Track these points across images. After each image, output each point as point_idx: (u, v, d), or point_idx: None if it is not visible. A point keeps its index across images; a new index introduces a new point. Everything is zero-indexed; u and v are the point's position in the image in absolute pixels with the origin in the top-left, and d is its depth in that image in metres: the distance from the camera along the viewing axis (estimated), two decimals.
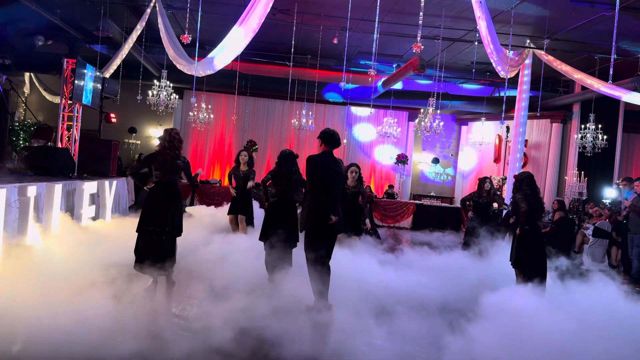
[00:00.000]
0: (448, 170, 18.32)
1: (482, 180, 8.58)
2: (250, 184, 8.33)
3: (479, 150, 16.55)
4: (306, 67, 14.73)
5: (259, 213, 9.04)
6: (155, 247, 5.13)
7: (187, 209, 10.83)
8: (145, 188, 11.14)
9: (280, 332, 4.24)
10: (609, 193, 12.06)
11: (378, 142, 17.44)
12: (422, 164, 18.02)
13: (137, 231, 5.25)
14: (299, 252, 5.56)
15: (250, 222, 8.51)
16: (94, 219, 8.46)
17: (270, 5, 7.98)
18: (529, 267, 5.98)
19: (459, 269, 7.01)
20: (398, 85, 15.23)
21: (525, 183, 6.12)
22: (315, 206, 4.97)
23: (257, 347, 4.09)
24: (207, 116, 14.73)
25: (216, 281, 5.52)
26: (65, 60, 10.39)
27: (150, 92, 13.30)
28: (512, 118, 12.89)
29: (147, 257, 5.07)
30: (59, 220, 6.82)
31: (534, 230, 6.07)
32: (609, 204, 11.08)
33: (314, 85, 14.34)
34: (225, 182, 16.07)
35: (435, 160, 17.75)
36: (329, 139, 5.14)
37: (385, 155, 17.57)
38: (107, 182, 9.14)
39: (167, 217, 5.21)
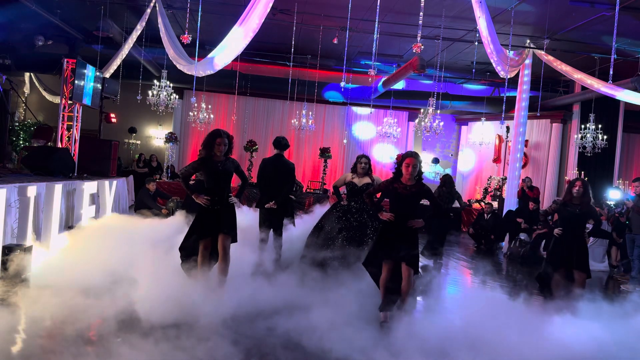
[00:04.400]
0: (448, 170, 18.31)
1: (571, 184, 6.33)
2: (234, 200, 5.38)
3: (479, 151, 16.54)
4: (306, 67, 14.72)
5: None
6: None
7: None
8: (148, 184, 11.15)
9: None
10: (614, 194, 11.99)
11: (378, 142, 17.44)
12: (422, 164, 17.94)
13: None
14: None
15: (235, 239, 5.36)
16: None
17: (270, 5, 7.96)
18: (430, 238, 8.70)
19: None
20: (398, 85, 15.22)
21: (447, 183, 8.72)
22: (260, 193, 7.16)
23: None
24: (207, 116, 14.71)
25: None
26: (65, 60, 10.38)
27: (150, 92, 13.29)
28: (512, 118, 12.88)
29: None
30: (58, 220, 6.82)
31: (441, 217, 8.37)
32: (613, 205, 11.03)
33: (314, 85, 14.33)
34: None
35: (435, 160, 17.75)
36: (275, 144, 7.37)
37: (385, 155, 17.56)
38: (107, 182, 9.15)
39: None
